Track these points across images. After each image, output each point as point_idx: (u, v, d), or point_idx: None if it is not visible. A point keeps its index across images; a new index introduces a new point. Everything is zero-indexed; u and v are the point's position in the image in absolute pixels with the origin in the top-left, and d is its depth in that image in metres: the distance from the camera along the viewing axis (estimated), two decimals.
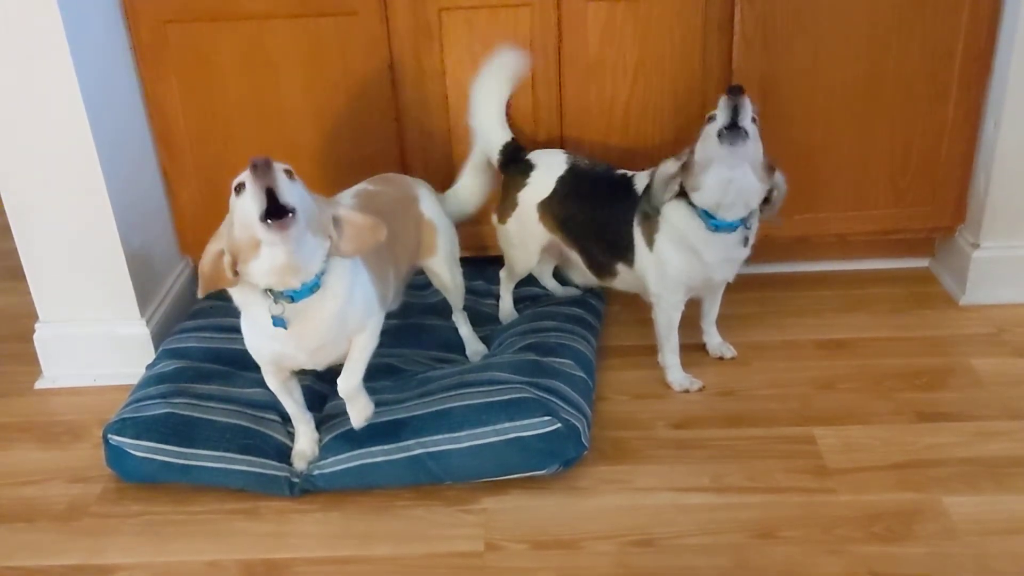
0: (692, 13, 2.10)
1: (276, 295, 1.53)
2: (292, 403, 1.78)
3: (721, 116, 1.72)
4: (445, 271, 2.03)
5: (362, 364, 1.70)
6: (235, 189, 1.45)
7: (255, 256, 1.47)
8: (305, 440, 1.81)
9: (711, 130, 1.75)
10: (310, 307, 1.56)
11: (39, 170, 1.99)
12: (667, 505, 1.70)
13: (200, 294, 1.56)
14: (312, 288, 1.54)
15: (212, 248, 1.52)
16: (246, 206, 1.42)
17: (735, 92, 1.71)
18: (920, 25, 2.08)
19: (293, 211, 1.41)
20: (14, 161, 1.98)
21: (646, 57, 2.16)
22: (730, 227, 1.83)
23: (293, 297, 1.53)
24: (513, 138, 2.12)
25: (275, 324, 1.56)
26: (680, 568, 1.57)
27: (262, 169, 1.38)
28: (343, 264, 1.59)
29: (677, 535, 1.63)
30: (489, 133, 2.11)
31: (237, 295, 1.60)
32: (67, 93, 1.91)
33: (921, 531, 1.61)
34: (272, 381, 1.74)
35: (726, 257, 1.89)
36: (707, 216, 1.82)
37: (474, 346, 2.13)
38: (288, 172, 1.45)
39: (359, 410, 1.73)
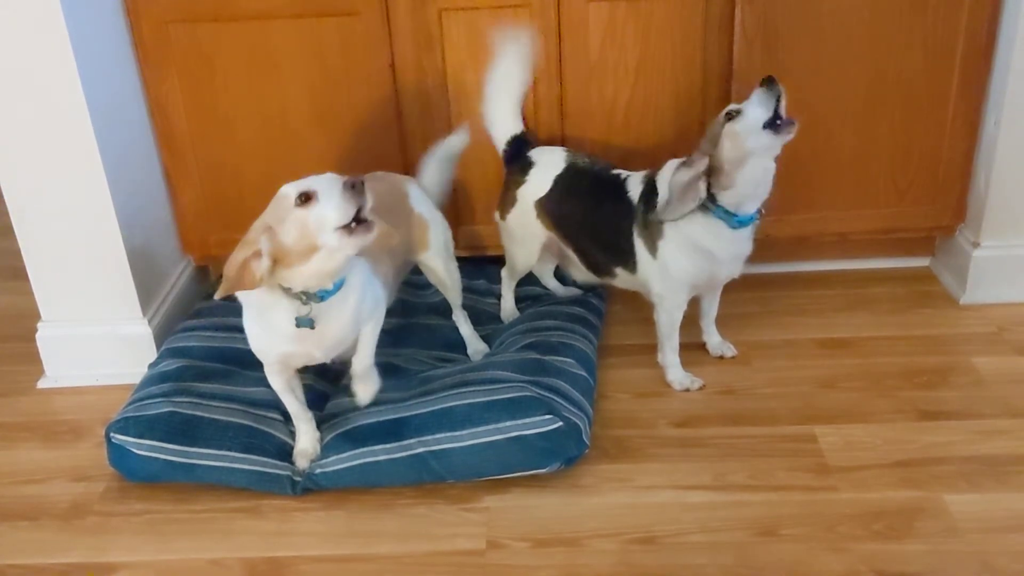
0: (693, 13, 2.11)
1: (308, 297, 1.58)
2: (294, 401, 1.79)
3: (763, 108, 1.72)
4: (439, 266, 2.04)
5: (373, 346, 1.78)
6: (298, 199, 1.49)
7: (303, 261, 1.53)
8: (307, 439, 1.82)
9: (741, 127, 1.73)
10: (333, 305, 1.61)
11: (42, 170, 1.99)
12: (669, 503, 1.71)
13: (219, 296, 1.57)
14: (339, 286, 1.61)
15: (239, 255, 1.53)
16: (324, 216, 1.48)
17: (772, 83, 1.71)
18: (921, 24, 2.09)
19: (371, 219, 1.50)
20: (17, 161, 1.98)
21: (647, 57, 2.16)
22: (751, 220, 1.84)
23: (322, 297, 1.59)
24: (523, 132, 2.11)
25: (301, 325, 1.60)
26: (682, 566, 1.57)
27: (359, 189, 1.47)
28: (355, 261, 1.65)
29: (679, 533, 1.64)
30: (501, 123, 2.10)
31: (249, 296, 1.62)
32: (70, 93, 1.91)
33: (922, 529, 1.61)
34: (276, 380, 1.76)
35: (738, 253, 1.90)
36: (728, 215, 1.82)
37: (475, 345, 2.13)
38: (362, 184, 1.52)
39: (367, 387, 1.80)
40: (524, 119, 2.12)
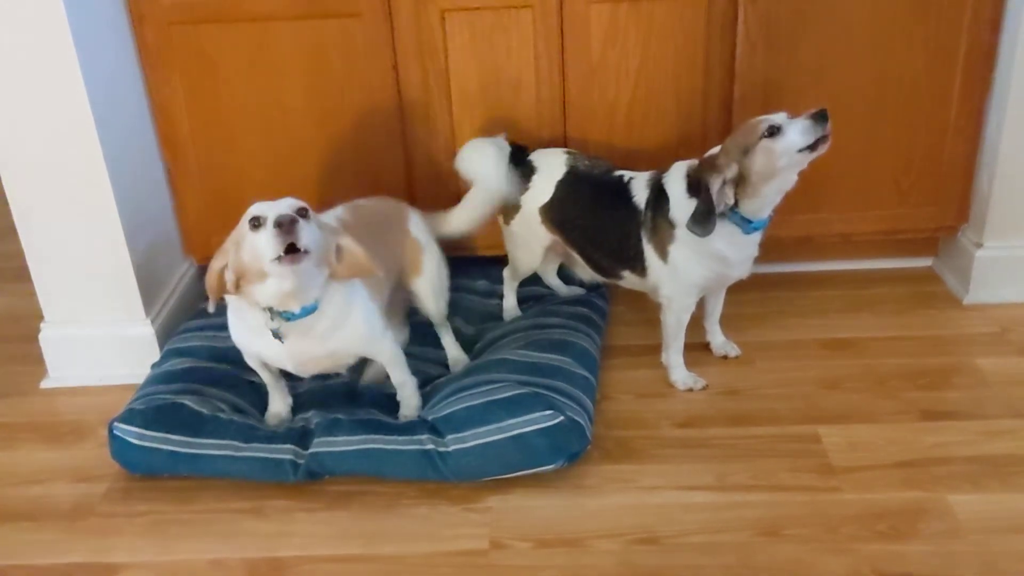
0: (695, 15, 2.11)
1: (274, 313, 1.62)
2: (268, 374, 1.87)
3: (805, 137, 1.72)
4: (429, 294, 2.00)
5: (399, 370, 1.85)
6: (250, 223, 1.52)
7: (260, 281, 1.56)
8: (278, 403, 1.90)
9: (779, 146, 1.73)
10: (302, 326, 1.65)
11: (45, 172, 1.99)
12: (672, 504, 1.70)
13: (211, 308, 1.65)
14: (310, 311, 1.63)
15: (216, 264, 1.60)
16: (261, 245, 1.50)
17: (825, 120, 1.71)
18: (923, 26, 2.08)
19: (307, 250, 1.50)
20: (20, 163, 1.98)
21: (649, 59, 2.16)
22: (764, 224, 1.85)
23: (288, 317, 1.62)
24: (513, 146, 2.11)
25: (276, 336, 1.65)
26: (685, 567, 1.57)
27: (287, 228, 1.48)
28: (337, 287, 1.67)
29: (682, 534, 1.63)
30: (492, 175, 2.05)
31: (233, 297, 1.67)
32: (73, 95, 1.91)
33: (926, 530, 1.61)
34: (251, 360, 1.84)
35: (748, 255, 1.91)
36: (744, 221, 1.82)
37: (456, 355, 2.10)
38: (303, 211, 1.54)
39: (407, 404, 1.88)
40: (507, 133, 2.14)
